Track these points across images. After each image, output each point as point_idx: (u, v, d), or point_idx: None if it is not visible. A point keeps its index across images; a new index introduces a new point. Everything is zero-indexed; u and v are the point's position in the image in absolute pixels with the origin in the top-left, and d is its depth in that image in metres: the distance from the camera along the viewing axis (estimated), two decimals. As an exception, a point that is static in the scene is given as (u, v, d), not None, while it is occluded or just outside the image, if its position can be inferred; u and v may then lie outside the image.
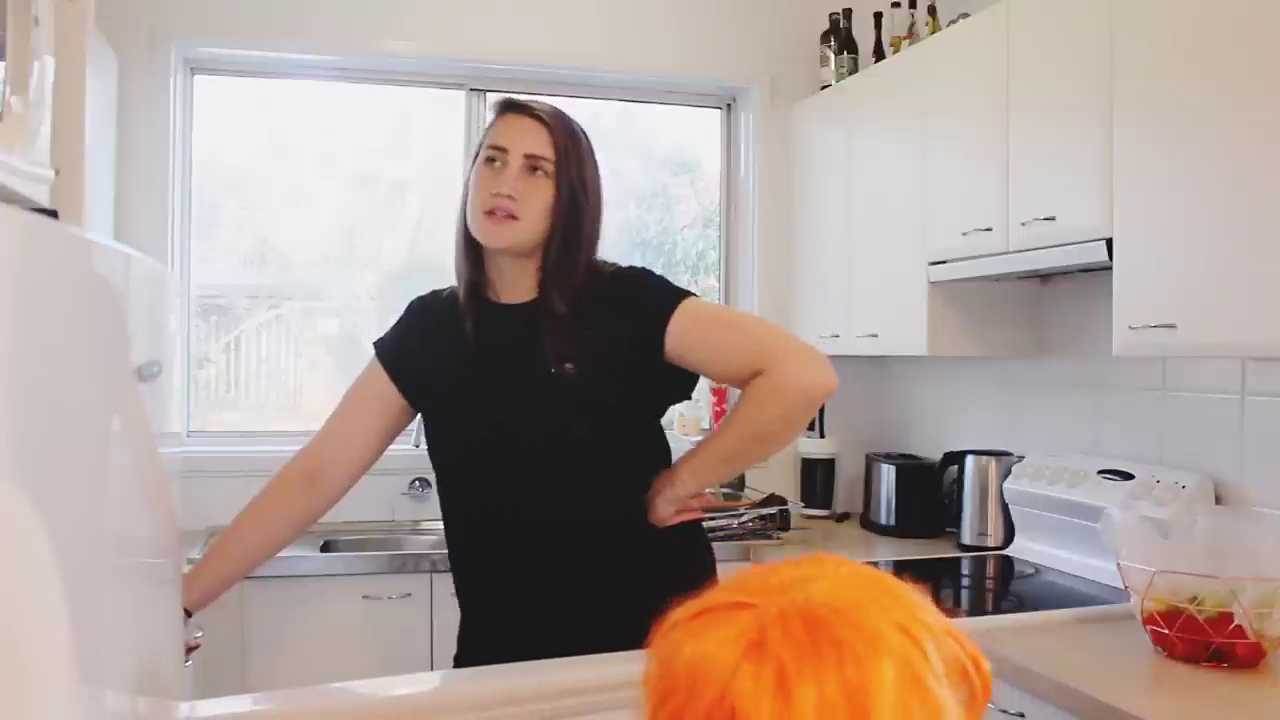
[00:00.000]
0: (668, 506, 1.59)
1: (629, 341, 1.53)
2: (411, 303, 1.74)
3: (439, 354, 1.62)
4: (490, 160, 1.54)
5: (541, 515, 1.56)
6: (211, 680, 2.33)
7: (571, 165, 1.55)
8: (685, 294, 1.57)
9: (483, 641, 1.62)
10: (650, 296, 1.56)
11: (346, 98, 3.29)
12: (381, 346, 1.70)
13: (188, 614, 1.53)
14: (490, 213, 1.52)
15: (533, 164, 1.53)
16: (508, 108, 1.58)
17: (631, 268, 1.64)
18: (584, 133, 1.62)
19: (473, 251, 1.60)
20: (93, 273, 0.76)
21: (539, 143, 1.53)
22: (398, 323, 1.73)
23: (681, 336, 1.52)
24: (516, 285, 1.58)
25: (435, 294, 1.71)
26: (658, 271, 1.65)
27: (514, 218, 1.51)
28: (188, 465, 2.75)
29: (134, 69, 2.88)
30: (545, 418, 1.54)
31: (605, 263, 1.63)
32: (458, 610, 1.66)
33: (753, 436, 1.57)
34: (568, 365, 1.51)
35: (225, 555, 1.62)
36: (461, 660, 1.65)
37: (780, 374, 1.50)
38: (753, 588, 0.67)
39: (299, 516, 1.66)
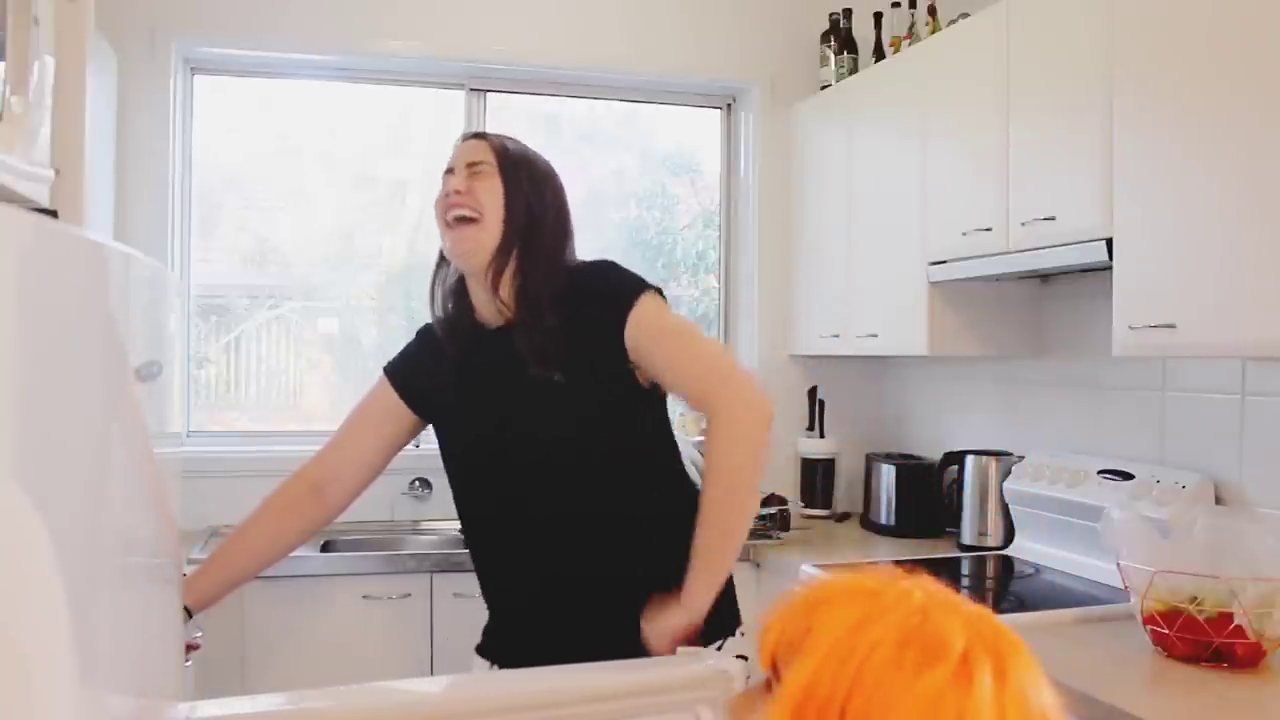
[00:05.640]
0: (670, 634, 1.50)
1: (598, 336, 1.55)
2: (421, 328, 1.80)
3: (444, 375, 1.68)
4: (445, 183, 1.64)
5: (544, 520, 1.58)
6: (211, 680, 2.33)
7: (519, 171, 1.60)
8: (644, 288, 1.57)
9: (501, 634, 1.68)
10: (611, 290, 1.57)
11: (346, 98, 3.29)
12: (390, 368, 1.77)
13: (188, 614, 1.55)
14: (450, 223, 1.59)
15: (474, 169, 1.60)
16: (461, 138, 1.67)
17: (594, 261, 1.65)
18: (537, 157, 1.67)
19: (456, 283, 1.67)
20: (93, 272, 0.76)
21: (477, 151, 1.62)
22: (407, 346, 1.80)
23: (637, 334, 1.53)
24: (491, 309, 1.62)
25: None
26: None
27: (471, 219, 1.57)
28: (188, 465, 2.75)
29: (134, 69, 2.88)
30: (542, 428, 1.57)
31: (572, 262, 1.66)
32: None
33: (735, 517, 1.52)
34: (555, 376, 1.54)
35: (229, 559, 1.65)
36: (481, 649, 1.71)
37: (726, 428, 1.48)
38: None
39: (304, 526, 1.71)
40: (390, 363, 1.78)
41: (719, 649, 1.62)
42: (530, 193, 1.59)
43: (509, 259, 1.58)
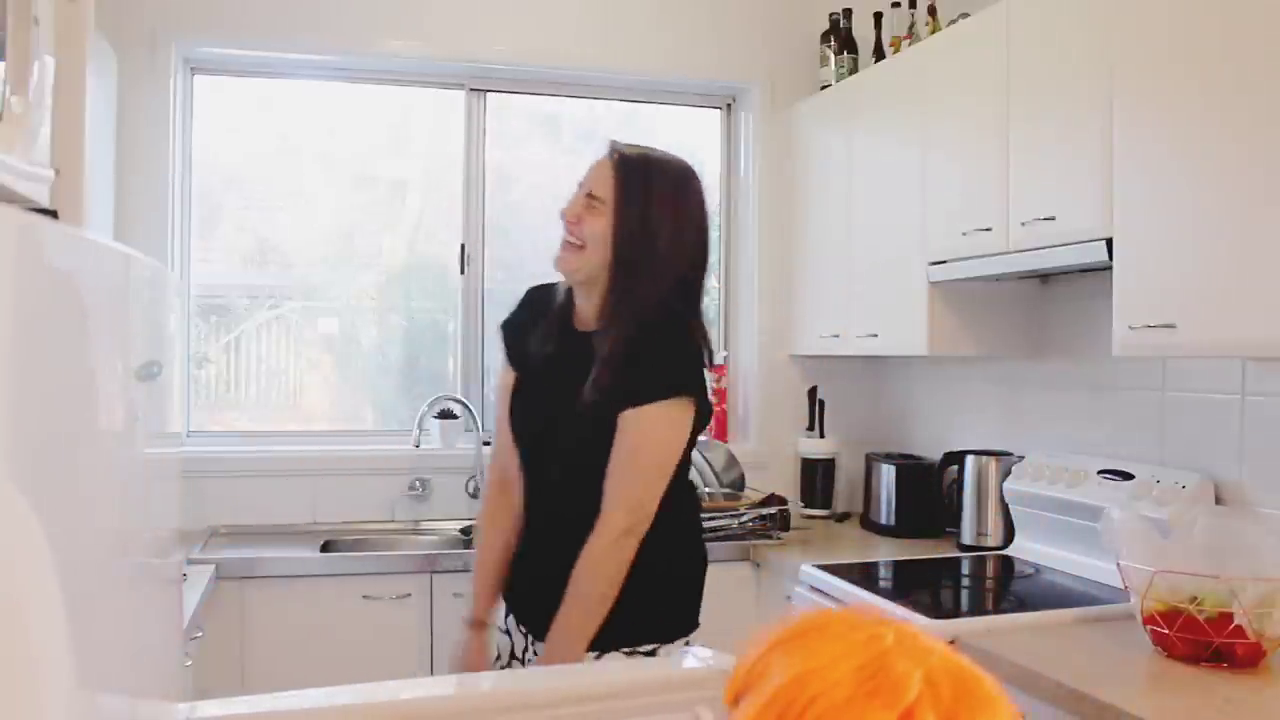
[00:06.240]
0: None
1: (636, 384, 1.67)
2: (529, 289, 1.95)
3: (533, 343, 1.82)
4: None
5: (575, 512, 1.69)
6: (211, 680, 2.33)
7: (632, 203, 1.70)
8: (677, 393, 1.67)
9: (522, 591, 1.83)
10: (657, 369, 1.68)
11: (346, 98, 3.29)
12: (504, 324, 1.92)
13: (484, 626, 1.83)
14: (564, 243, 1.74)
15: (591, 203, 1.72)
16: (608, 151, 1.76)
17: (668, 330, 1.72)
18: (665, 175, 1.76)
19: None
20: (92, 272, 0.76)
21: (601, 183, 1.72)
22: (518, 305, 1.94)
23: (626, 422, 1.65)
24: (587, 314, 1.77)
25: (548, 287, 1.89)
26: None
27: (579, 245, 1.72)
28: (188, 465, 2.75)
29: (134, 69, 2.88)
30: (587, 429, 1.69)
31: (675, 308, 1.74)
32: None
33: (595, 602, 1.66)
34: (597, 396, 1.66)
35: (480, 573, 1.87)
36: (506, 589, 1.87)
37: (600, 541, 1.65)
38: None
39: (512, 518, 1.86)
40: (505, 320, 1.92)
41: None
42: (640, 233, 1.69)
43: (603, 287, 1.72)
